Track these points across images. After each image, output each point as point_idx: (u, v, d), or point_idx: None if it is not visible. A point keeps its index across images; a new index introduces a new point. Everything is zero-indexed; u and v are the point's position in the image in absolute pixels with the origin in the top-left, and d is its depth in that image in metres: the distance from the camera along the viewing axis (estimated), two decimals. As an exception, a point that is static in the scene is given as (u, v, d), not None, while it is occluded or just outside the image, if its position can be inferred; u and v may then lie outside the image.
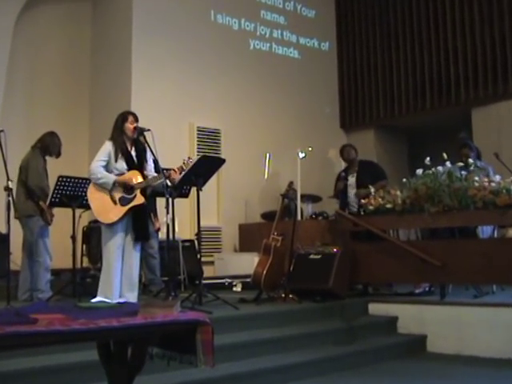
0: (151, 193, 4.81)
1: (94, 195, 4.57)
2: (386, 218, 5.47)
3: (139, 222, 4.59)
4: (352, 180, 6.45)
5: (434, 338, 5.00)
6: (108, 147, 4.60)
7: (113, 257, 4.48)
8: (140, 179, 4.59)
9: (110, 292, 4.41)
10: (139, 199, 4.55)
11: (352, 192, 6.36)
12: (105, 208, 4.51)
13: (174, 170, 4.68)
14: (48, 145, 5.41)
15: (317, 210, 7.72)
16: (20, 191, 5.29)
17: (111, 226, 4.49)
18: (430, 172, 5.23)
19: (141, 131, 4.64)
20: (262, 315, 4.67)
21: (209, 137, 7.97)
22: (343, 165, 7.80)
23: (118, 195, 4.54)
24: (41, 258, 5.23)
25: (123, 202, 4.53)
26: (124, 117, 4.68)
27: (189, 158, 4.82)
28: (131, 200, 4.53)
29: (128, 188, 4.54)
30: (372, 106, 9.40)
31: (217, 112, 8.08)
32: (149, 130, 4.65)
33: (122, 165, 4.59)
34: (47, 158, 5.45)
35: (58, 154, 5.49)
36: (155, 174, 4.68)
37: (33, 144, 5.46)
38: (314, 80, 9.28)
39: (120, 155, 4.59)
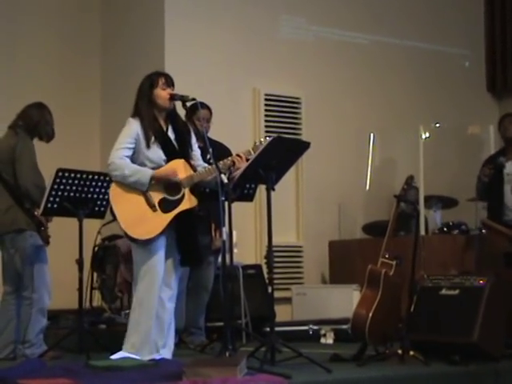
0: (210, 192, 4.89)
1: (119, 198, 4.65)
2: None
3: (188, 238, 4.66)
4: None
5: None
6: (134, 128, 4.68)
7: (152, 290, 4.52)
8: (189, 171, 4.65)
9: (143, 344, 4.42)
10: (190, 201, 4.62)
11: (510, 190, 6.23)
12: (138, 216, 4.58)
13: (238, 156, 4.73)
14: (37, 122, 5.34)
15: (451, 219, 7.60)
16: None
17: (148, 243, 4.54)
18: None
19: (181, 101, 4.71)
20: (369, 382, 4.62)
21: (283, 109, 8.03)
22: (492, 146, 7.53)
23: (157, 197, 4.63)
24: (36, 295, 5.21)
25: (166, 206, 4.61)
26: (152, 80, 4.75)
27: (264, 138, 4.86)
28: (178, 203, 4.60)
29: (172, 186, 4.61)
30: (539, 58, 9.18)
31: (294, 73, 8.12)
32: (194, 99, 4.78)
33: (157, 153, 4.68)
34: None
35: (51, 137, 5.47)
36: (206, 165, 4.75)
37: (11, 123, 5.38)
38: (444, 21, 9.15)
39: (153, 139, 4.66)
